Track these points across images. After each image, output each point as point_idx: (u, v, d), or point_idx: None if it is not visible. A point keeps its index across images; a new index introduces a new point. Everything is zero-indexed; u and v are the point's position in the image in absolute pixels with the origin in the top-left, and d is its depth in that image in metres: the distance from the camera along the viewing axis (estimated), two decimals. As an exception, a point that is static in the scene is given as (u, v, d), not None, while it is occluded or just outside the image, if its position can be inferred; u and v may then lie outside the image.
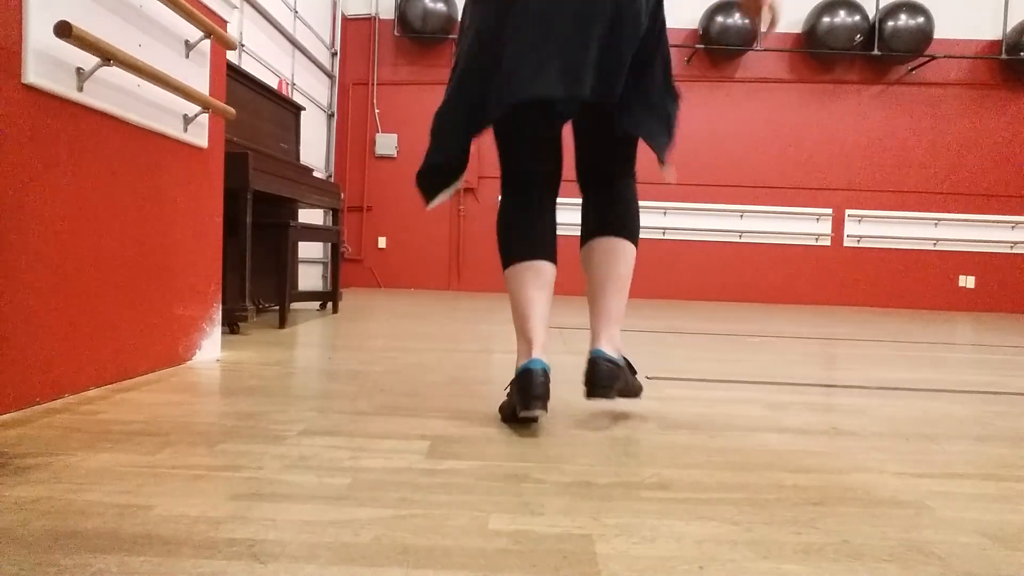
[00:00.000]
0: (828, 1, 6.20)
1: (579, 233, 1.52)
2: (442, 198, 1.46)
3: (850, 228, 6.64)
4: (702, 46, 6.37)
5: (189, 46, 1.82)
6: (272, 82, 4.74)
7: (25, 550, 0.71)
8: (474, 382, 1.78)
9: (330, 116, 6.23)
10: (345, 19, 6.45)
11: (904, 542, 0.82)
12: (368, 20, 6.61)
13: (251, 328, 2.79)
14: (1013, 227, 6.59)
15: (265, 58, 4.68)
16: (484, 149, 6.52)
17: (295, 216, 3.69)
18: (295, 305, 4.02)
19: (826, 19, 6.20)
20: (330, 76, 6.18)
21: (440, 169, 1.43)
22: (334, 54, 6.20)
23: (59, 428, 1.18)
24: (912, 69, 6.53)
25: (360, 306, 4.29)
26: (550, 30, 1.29)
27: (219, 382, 1.65)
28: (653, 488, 0.99)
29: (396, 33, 6.50)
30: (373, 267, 6.70)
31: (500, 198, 1.51)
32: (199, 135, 1.89)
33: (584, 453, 1.16)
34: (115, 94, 1.52)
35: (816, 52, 6.36)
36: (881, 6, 6.33)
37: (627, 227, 1.46)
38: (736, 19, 6.16)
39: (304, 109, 3.88)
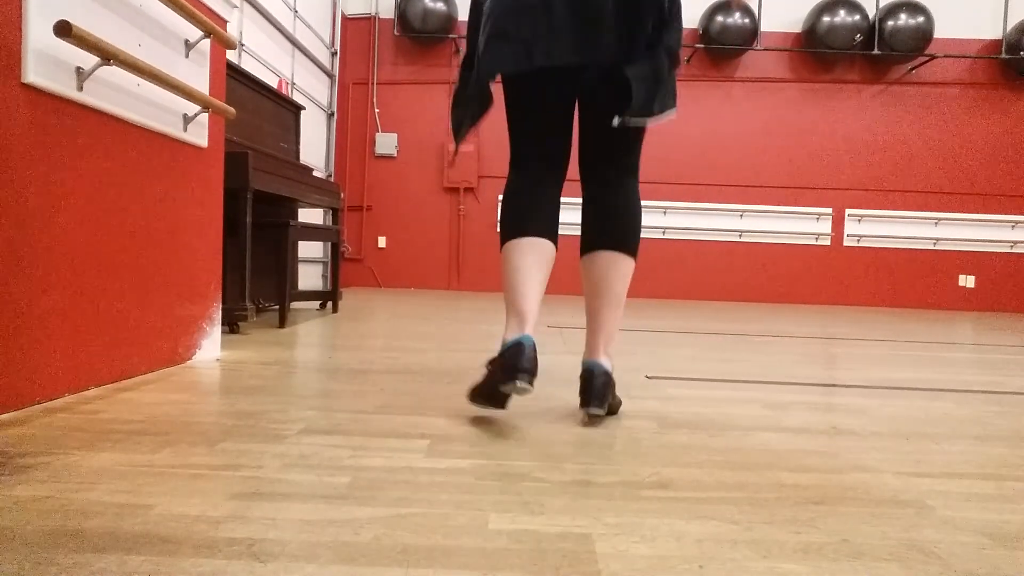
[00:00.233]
0: (828, 1, 6.20)
1: (579, 232, 1.51)
2: (465, 131, 1.47)
3: (850, 228, 6.64)
4: (702, 45, 6.37)
5: (189, 45, 1.82)
6: (272, 81, 4.74)
7: (25, 550, 0.71)
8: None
9: (330, 115, 6.23)
10: (345, 18, 6.45)
11: (904, 542, 0.82)
12: (368, 19, 6.61)
13: (251, 328, 2.79)
14: (1013, 227, 6.59)
15: (265, 57, 4.68)
16: (484, 150, 6.52)
17: (295, 215, 3.69)
18: (295, 305, 4.02)
19: (826, 18, 6.20)
20: (330, 75, 6.18)
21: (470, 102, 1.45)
22: (334, 54, 6.20)
23: (59, 428, 1.18)
24: (912, 69, 6.53)
25: (360, 306, 4.29)
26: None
27: (219, 381, 1.65)
28: (653, 487, 0.99)
29: (396, 32, 6.50)
30: (373, 267, 6.70)
31: (507, 177, 1.50)
32: (199, 134, 1.89)
33: (584, 452, 1.16)
34: (115, 94, 1.52)
35: (816, 52, 6.36)
36: (881, 5, 6.33)
37: (627, 240, 1.45)
38: (736, 18, 6.16)
39: (304, 108, 3.88)
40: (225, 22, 2.01)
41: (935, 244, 6.63)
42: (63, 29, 1.28)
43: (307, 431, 1.22)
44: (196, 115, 1.85)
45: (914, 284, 6.66)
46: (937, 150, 6.63)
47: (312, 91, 5.74)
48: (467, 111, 1.46)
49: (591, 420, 1.38)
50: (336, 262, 3.72)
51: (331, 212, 3.89)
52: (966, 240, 6.62)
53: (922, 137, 6.62)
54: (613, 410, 1.45)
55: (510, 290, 1.37)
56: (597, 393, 1.34)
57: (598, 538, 0.80)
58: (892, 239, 6.64)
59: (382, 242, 6.70)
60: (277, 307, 3.22)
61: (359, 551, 0.74)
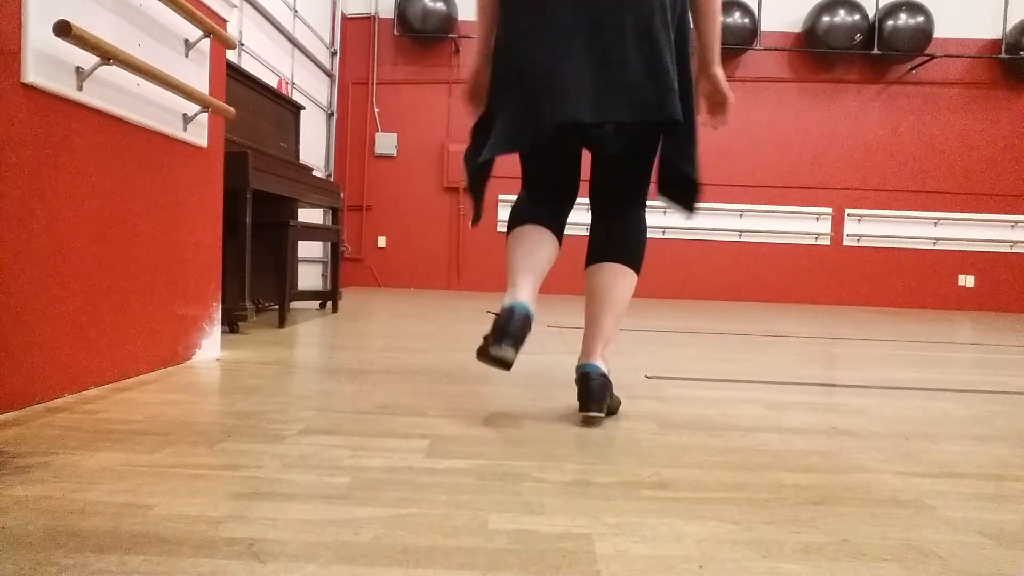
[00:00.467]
0: (828, 0, 6.20)
1: (584, 232, 1.54)
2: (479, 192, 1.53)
3: (850, 227, 6.64)
4: (702, 45, 6.36)
5: (189, 45, 1.81)
6: (272, 81, 4.74)
7: (25, 549, 0.71)
8: (474, 382, 1.78)
9: (330, 115, 6.22)
10: (345, 18, 6.45)
11: (904, 541, 0.82)
12: (368, 19, 6.60)
13: (251, 327, 2.79)
14: (1013, 226, 6.59)
15: (265, 57, 4.68)
16: (484, 148, 6.51)
17: (295, 215, 3.69)
18: (295, 304, 4.02)
19: (826, 18, 6.19)
20: (330, 75, 6.18)
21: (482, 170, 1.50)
22: (333, 53, 6.20)
23: (59, 427, 1.18)
24: (912, 68, 6.53)
25: (360, 305, 4.29)
26: (583, 47, 1.31)
27: (219, 381, 1.65)
28: (653, 487, 0.99)
29: (396, 32, 6.50)
30: (373, 266, 6.70)
31: (519, 192, 1.57)
32: (199, 134, 1.89)
33: (584, 452, 1.16)
34: (115, 93, 1.52)
35: (816, 51, 6.36)
36: (881, 5, 6.33)
37: (631, 256, 1.48)
38: (736, 18, 6.16)
39: (304, 108, 3.88)
40: (225, 22, 2.01)
41: (935, 244, 6.63)
42: (63, 29, 1.28)
43: (307, 431, 1.22)
44: (196, 115, 1.84)
45: (914, 284, 6.66)
46: (937, 150, 6.63)
47: (312, 91, 5.74)
48: (475, 180, 1.49)
49: (590, 421, 1.38)
50: (336, 262, 3.72)
51: (331, 212, 3.89)
52: (966, 240, 6.62)
53: (922, 137, 6.62)
54: (612, 410, 1.45)
55: (510, 270, 1.40)
56: (595, 396, 1.35)
57: (598, 538, 0.80)
58: (892, 239, 6.64)
59: (382, 242, 6.70)
60: (277, 307, 3.22)
61: (359, 551, 0.74)
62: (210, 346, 2.00)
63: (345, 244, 6.56)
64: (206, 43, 1.90)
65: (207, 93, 1.92)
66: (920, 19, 6.15)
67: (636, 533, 0.82)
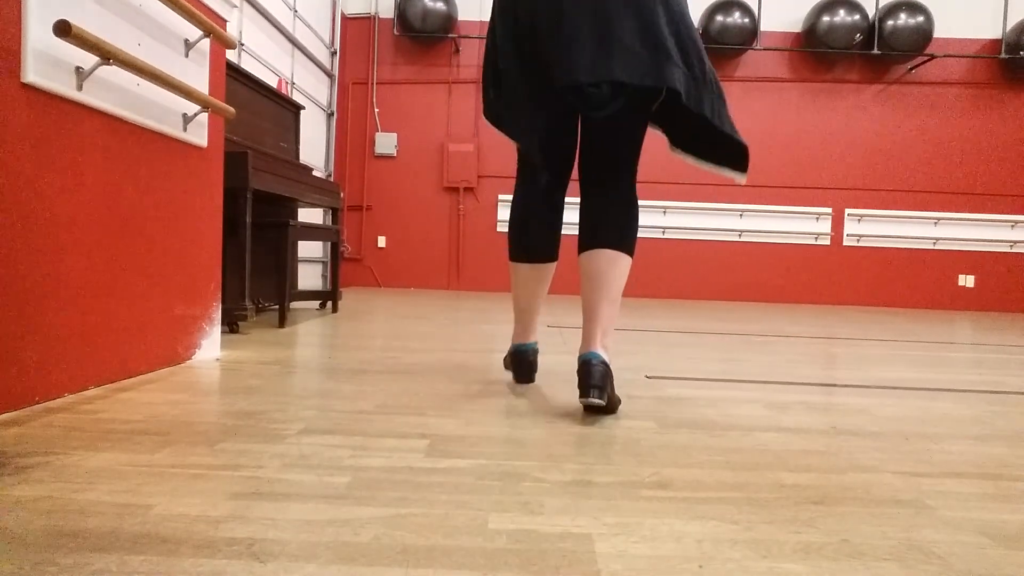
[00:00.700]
0: (828, 0, 6.20)
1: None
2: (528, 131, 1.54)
3: (850, 227, 6.64)
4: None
5: (189, 45, 1.81)
6: (272, 81, 4.74)
7: (25, 549, 0.71)
8: (474, 382, 1.78)
9: (330, 115, 6.22)
10: (345, 18, 6.45)
11: (904, 541, 0.82)
12: (368, 19, 6.60)
13: (251, 327, 2.79)
14: (1013, 226, 6.59)
15: (265, 57, 4.68)
16: (483, 149, 6.51)
17: (295, 215, 3.69)
18: (295, 304, 4.02)
19: (826, 18, 6.19)
20: (330, 75, 6.18)
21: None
22: (333, 53, 6.20)
23: (59, 427, 1.18)
24: (912, 68, 6.53)
25: (360, 305, 4.29)
26: (587, 13, 1.36)
27: (219, 381, 1.65)
28: (653, 487, 0.99)
29: (396, 32, 6.50)
30: (373, 266, 6.70)
31: (515, 183, 1.65)
32: (198, 134, 1.89)
33: (584, 452, 1.16)
34: (114, 93, 1.52)
35: (816, 51, 6.36)
36: (881, 5, 6.33)
37: (625, 239, 1.50)
38: (736, 18, 6.16)
39: (304, 108, 3.88)
40: (225, 22, 2.01)
41: (935, 244, 6.63)
42: (63, 29, 1.28)
43: (307, 431, 1.22)
44: (196, 115, 1.84)
45: (914, 284, 6.66)
46: (937, 150, 6.63)
47: (312, 91, 5.74)
48: (518, 116, 1.49)
49: (591, 419, 1.38)
50: (336, 262, 3.72)
51: (331, 212, 3.89)
52: (966, 240, 6.62)
53: (922, 137, 6.62)
54: (612, 406, 1.43)
55: (516, 307, 1.69)
56: (595, 382, 1.34)
57: (598, 538, 0.80)
58: (892, 239, 6.64)
59: (382, 242, 6.69)
60: (277, 307, 3.22)
61: (359, 551, 0.74)
62: (210, 346, 2.00)
63: (345, 244, 6.56)
64: (206, 43, 1.90)
65: (207, 93, 1.92)
66: (920, 19, 6.15)
67: (636, 533, 0.82)
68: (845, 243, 6.65)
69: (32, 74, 1.27)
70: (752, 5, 6.38)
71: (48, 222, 1.34)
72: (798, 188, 6.64)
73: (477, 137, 6.48)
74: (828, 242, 6.65)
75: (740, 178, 1.50)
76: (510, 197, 6.96)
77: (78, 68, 1.39)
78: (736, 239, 6.65)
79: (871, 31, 6.27)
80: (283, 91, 4.58)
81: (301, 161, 3.83)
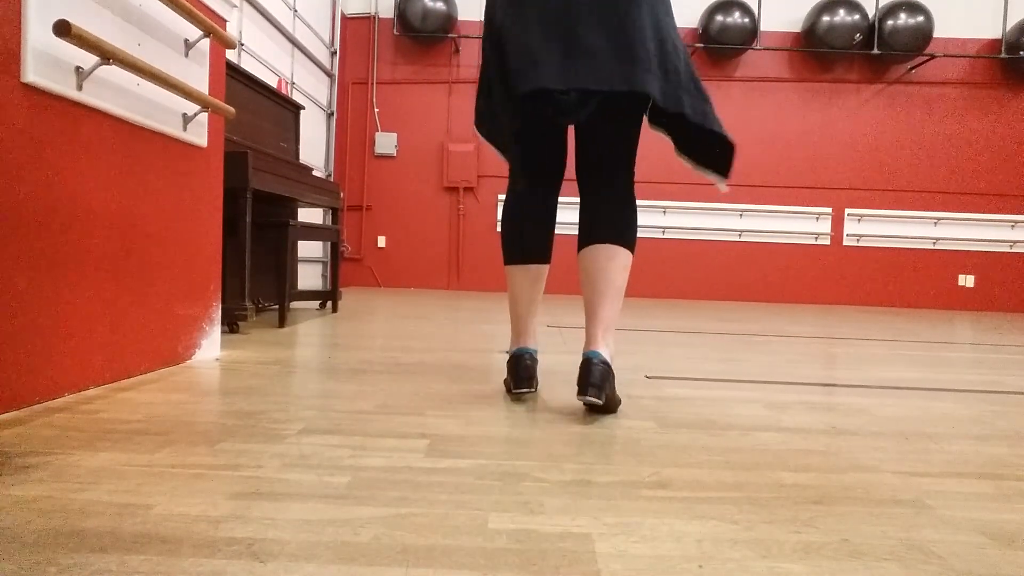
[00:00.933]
0: (828, 0, 6.20)
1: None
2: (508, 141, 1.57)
3: (850, 227, 6.64)
4: (702, 45, 6.36)
5: (188, 45, 1.81)
6: (272, 81, 4.74)
7: (25, 549, 0.71)
8: (474, 382, 1.78)
9: (329, 115, 6.22)
10: (344, 18, 6.45)
11: (903, 541, 0.82)
12: (367, 19, 6.60)
13: (251, 327, 2.79)
14: (1013, 226, 6.59)
15: (264, 57, 4.68)
16: (483, 149, 6.51)
17: (295, 215, 3.69)
18: (295, 304, 4.02)
19: (826, 18, 6.20)
20: (329, 75, 6.18)
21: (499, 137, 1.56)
22: (333, 53, 6.20)
23: (59, 427, 1.18)
24: (912, 68, 6.53)
25: (360, 305, 4.29)
26: (553, 21, 1.36)
27: (219, 381, 1.65)
28: (653, 487, 0.99)
29: (395, 32, 6.50)
30: (373, 266, 6.70)
31: (508, 183, 1.64)
32: (198, 134, 1.89)
33: (584, 452, 1.16)
34: (114, 93, 1.52)
35: (816, 51, 6.36)
36: (881, 5, 6.33)
37: (623, 234, 1.50)
38: (736, 18, 6.16)
39: (303, 108, 3.88)
40: (225, 21, 2.01)
41: (935, 244, 6.63)
42: (62, 28, 1.28)
43: (307, 431, 1.22)
44: (196, 115, 1.84)
45: (914, 284, 6.67)
46: (937, 150, 6.63)
47: (312, 91, 5.74)
48: (501, 125, 1.52)
49: (591, 419, 1.38)
50: (336, 262, 3.72)
51: (331, 212, 3.89)
52: (966, 240, 6.62)
53: (922, 137, 6.62)
54: (612, 405, 1.44)
55: (512, 312, 1.65)
56: (594, 380, 1.34)
57: (598, 538, 0.80)
58: (892, 239, 6.64)
59: (382, 242, 6.70)
60: (277, 307, 3.22)
61: (359, 551, 0.74)
62: (210, 346, 2.00)
63: (345, 244, 6.56)
64: (206, 43, 1.90)
65: (207, 93, 1.92)
66: (920, 19, 6.15)
67: (636, 533, 0.82)
68: (845, 243, 6.65)
69: (32, 74, 1.27)
70: (752, 5, 6.38)
71: (47, 222, 1.34)
72: (798, 188, 6.64)
73: (477, 137, 6.48)
74: (828, 242, 6.65)
75: (721, 184, 1.52)
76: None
77: (78, 68, 1.39)
78: (736, 239, 6.65)
79: (871, 31, 6.27)
80: (283, 91, 4.58)
81: (301, 161, 3.83)
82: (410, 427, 1.28)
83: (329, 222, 4.92)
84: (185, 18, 1.72)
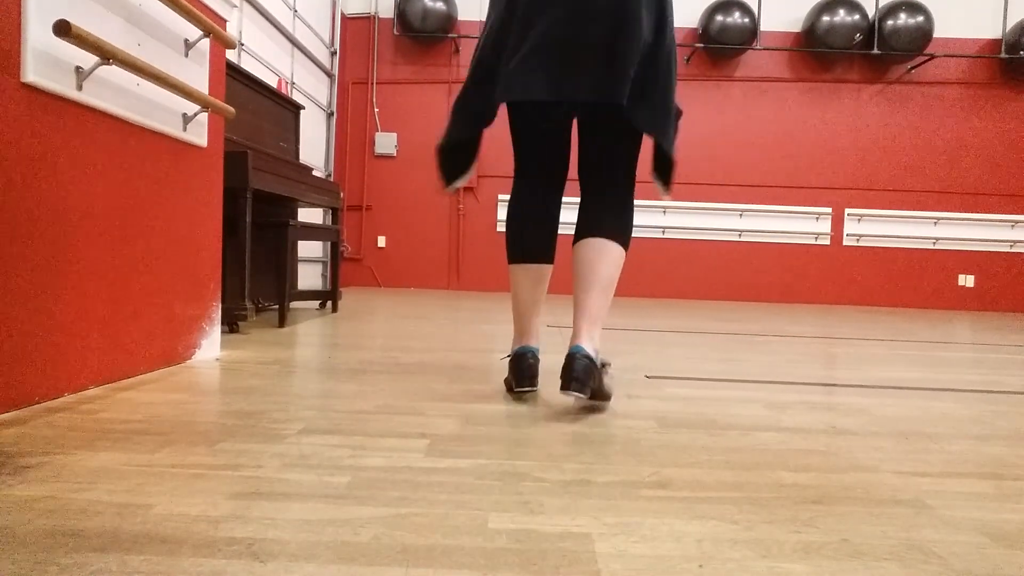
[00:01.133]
0: (828, 0, 6.20)
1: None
2: (458, 183, 1.65)
3: (849, 227, 6.64)
4: (702, 45, 6.36)
5: (188, 45, 1.81)
6: (271, 81, 4.74)
7: (25, 549, 0.71)
8: (474, 382, 1.78)
9: (329, 115, 6.22)
10: (344, 18, 6.45)
11: (903, 541, 0.82)
12: (367, 19, 6.60)
13: (250, 327, 2.79)
14: (1013, 226, 6.59)
15: (264, 57, 4.68)
16: (483, 149, 6.51)
17: (295, 215, 3.69)
18: (295, 304, 4.02)
19: (826, 18, 6.19)
20: (329, 75, 6.18)
21: (455, 152, 1.61)
22: (333, 53, 6.20)
23: (59, 427, 1.18)
24: (912, 68, 6.53)
25: (360, 305, 4.29)
26: (547, 32, 1.37)
27: (218, 381, 1.65)
28: (653, 487, 0.99)
29: (395, 32, 6.50)
30: (372, 266, 6.70)
31: (513, 183, 1.68)
32: (198, 134, 1.89)
33: (584, 452, 1.16)
34: (114, 93, 1.52)
35: (816, 51, 6.36)
36: (881, 5, 6.33)
37: (617, 230, 1.52)
38: (736, 18, 6.16)
39: (303, 108, 3.88)
40: (224, 21, 2.01)
41: (934, 244, 6.63)
42: (62, 28, 1.28)
43: (307, 431, 1.22)
44: (196, 115, 1.84)
45: (914, 284, 6.67)
46: (936, 149, 6.63)
47: (312, 90, 5.74)
48: (462, 161, 1.61)
49: (591, 419, 1.38)
50: (336, 262, 3.72)
51: (331, 212, 3.89)
52: (965, 240, 6.62)
53: (922, 137, 6.62)
54: (600, 396, 1.45)
55: (515, 311, 1.66)
56: (576, 375, 1.35)
57: (598, 538, 0.80)
58: (892, 239, 6.64)
59: (382, 242, 6.70)
60: (277, 307, 3.22)
61: (359, 551, 0.74)
62: (210, 346, 2.00)
63: (345, 244, 6.56)
64: (206, 43, 1.90)
65: (207, 93, 1.92)
66: (920, 19, 6.15)
67: (636, 533, 0.82)
68: (845, 243, 6.65)
69: (32, 74, 1.27)
70: (752, 5, 6.38)
71: (48, 222, 1.34)
72: (798, 188, 6.64)
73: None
74: (828, 242, 6.65)
75: (664, 193, 1.57)
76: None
77: (78, 68, 1.39)
78: (736, 239, 6.65)
79: (871, 31, 6.27)
80: (283, 91, 4.58)
81: (301, 161, 3.83)
82: (410, 427, 1.28)
83: (329, 222, 4.93)
84: (185, 18, 1.72)
